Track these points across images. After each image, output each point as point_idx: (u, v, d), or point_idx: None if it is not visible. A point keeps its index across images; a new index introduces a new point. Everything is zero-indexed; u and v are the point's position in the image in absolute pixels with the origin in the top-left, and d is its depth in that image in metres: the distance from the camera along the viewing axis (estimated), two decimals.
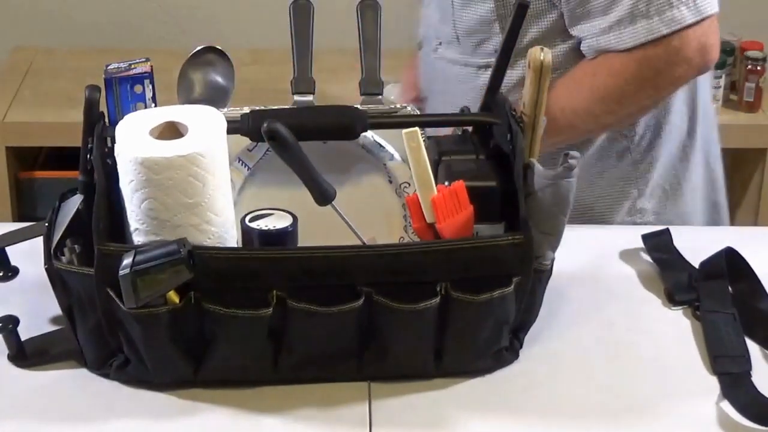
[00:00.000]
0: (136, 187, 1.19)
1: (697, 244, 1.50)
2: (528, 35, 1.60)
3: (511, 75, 1.45)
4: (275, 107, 1.36)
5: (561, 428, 1.23)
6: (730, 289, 1.42)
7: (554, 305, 1.38)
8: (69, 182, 1.31)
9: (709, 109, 1.77)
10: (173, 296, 1.19)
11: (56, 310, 1.27)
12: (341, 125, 1.34)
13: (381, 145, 1.39)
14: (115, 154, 1.21)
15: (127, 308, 1.18)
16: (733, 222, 2.16)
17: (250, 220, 1.27)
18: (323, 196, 1.25)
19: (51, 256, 1.24)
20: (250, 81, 2.08)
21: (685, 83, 1.63)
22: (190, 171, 1.18)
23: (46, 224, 1.28)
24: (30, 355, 1.29)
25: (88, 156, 1.27)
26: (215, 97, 1.39)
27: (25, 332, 1.29)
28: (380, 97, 1.41)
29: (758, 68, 2.73)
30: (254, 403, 1.24)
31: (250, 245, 1.26)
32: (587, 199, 1.70)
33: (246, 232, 1.26)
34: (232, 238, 1.25)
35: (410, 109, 1.41)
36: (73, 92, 2.37)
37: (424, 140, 1.27)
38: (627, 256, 1.52)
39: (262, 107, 1.34)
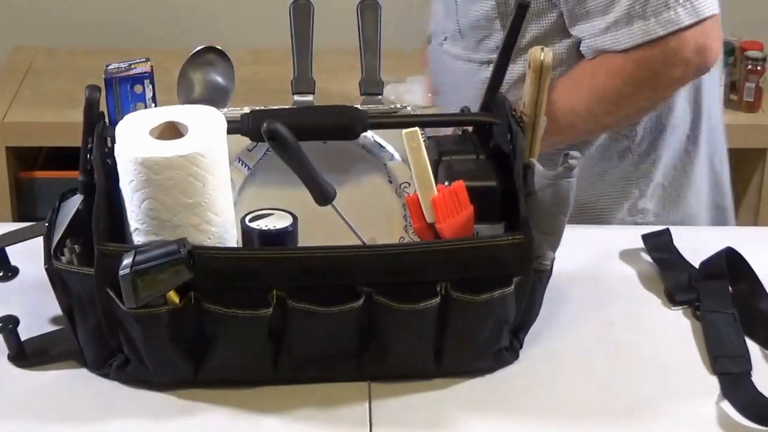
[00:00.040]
0: (136, 187, 1.19)
1: (697, 244, 1.50)
2: (529, 33, 1.60)
3: (513, 70, 1.45)
4: (275, 107, 1.36)
5: (561, 428, 1.23)
6: (730, 289, 1.42)
7: (554, 305, 1.38)
8: (69, 182, 1.31)
9: (715, 112, 1.76)
10: (173, 296, 1.19)
11: (56, 310, 1.27)
12: (341, 125, 1.34)
13: (381, 145, 1.39)
14: (115, 154, 1.21)
15: (127, 308, 1.18)
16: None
17: (250, 220, 1.27)
18: (323, 196, 1.25)
19: (51, 256, 1.24)
20: (250, 81, 2.08)
21: (684, 84, 1.62)
22: (190, 171, 1.18)
23: (46, 224, 1.28)
24: (30, 355, 1.29)
25: (88, 156, 1.27)
26: (215, 97, 1.39)
27: (25, 332, 1.29)
28: (380, 97, 1.41)
29: (758, 68, 2.73)
30: (254, 403, 1.24)
31: (250, 245, 1.26)
32: (588, 198, 1.70)
33: (246, 232, 1.26)
34: (232, 238, 1.25)
35: (410, 109, 1.41)
36: (73, 92, 2.38)
37: (424, 140, 1.27)
38: (627, 256, 1.52)
39: (262, 107, 1.34)
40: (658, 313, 1.42)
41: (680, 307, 1.42)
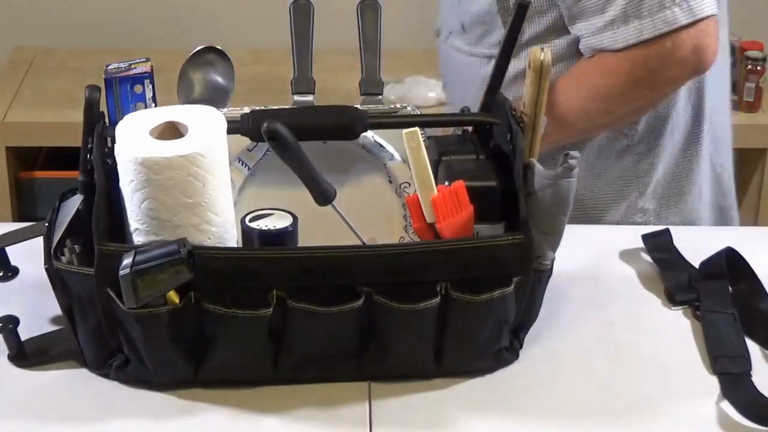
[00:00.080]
0: (136, 187, 1.19)
1: (697, 244, 1.50)
2: (530, 30, 1.61)
3: (513, 66, 1.45)
4: (275, 107, 1.36)
5: (561, 428, 1.23)
6: (730, 289, 1.42)
7: (554, 305, 1.38)
8: (69, 182, 1.31)
9: (719, 113, 1.74)
10: (173, 296, 1.19)
11: (56, 310, 1.27)
12: (341, 125, 1.34)
13: (381, 145, 1.39)
14: (115, 154, 1.21)
15: (127, 308, 1.18)
16: None
17: (250, 220, 1.27)
18: (323, 196, 1.25)
19: (51, 256, 1.24)
20: (250, 81, 2.08)
21: (682, 84, 1.63)
22: (190, 171, 1.18)
23: (46, 224, 1.28)
24: (30, 355, 1.29)
25: (88, 156, 1.27)
26: (215, 97, 1.39)
27: (25, 332, 1.29)
28: (380, 97, 1.41)
29: (758, 68, 2.73)
30: (254, 403, 1.24)
31: (250, 245, 1.26)
32: (587, 196, 1.70)
33: (246, 232, 1.26)
34: (232, 238, 1.25)
35: (410, 109, 1.41)
36: (73, 92, 2.38)
37: (424, 140, 1.27)
38: (627, 256, 1.52)
39: (262, 107, 1.34)
40: (658, 313, 1.42)
41: (680, 307, 1.42)
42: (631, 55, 1.55)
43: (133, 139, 1.20)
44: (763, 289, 1.42)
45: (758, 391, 1.26)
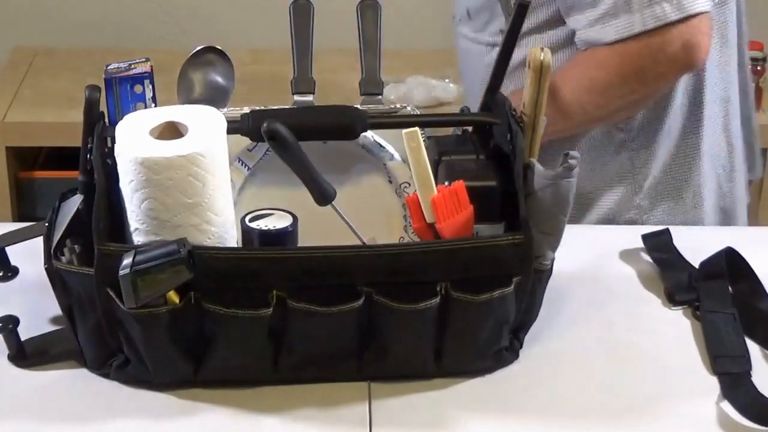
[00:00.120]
0: (136, 187, 1.19)
1: (697, 244, 1.50)
2: (529, 21, 1.61)
3: (516, 53, 1.45)
4: (275, 107, 1.36)
5: (561, 428, 1.23)
6: (730, 289, 1.42)
7: (554, 305, 1.38)
8: (69, 182, 1.31)
9: (722, 115, 1.74)
10: (173, 296, 1.19)
11: (56, 310, 1.27)
12: (341, 125, 1.34)
13: (381, 145, 1.39)
14: (115, 154, 1.21)
15: (127, 308, 1.18)
16: None
17: (250, 220, 1.27)
18: (323, 196, 1.25)
19: (51, 256, 1.24)
20: (250, 81, 2.08)
21: (673, 81, 1.63)
22: (190, 171, 1.18)
23: (46, 224, 1.28)
24: (30, 355, 1.29)
25: (88, 156, 1.27)
26: (215, 97, 1.39)
27: (25, 332, 1.29)
28: (380, 97, 1.41)
29: (758, 68, 2.73)
30: (254, 403, 1.24)
31: (250, 245, 1.26)
32: (581, 189, 1.70)
33: (246, 232, 1.26)
34: (232, 238, 1.25)
35: (410, 109, 1.41)
36: (73, 92, 2.38)
37: (424, 140, 1.27)
38: (627, 256, 1.52)
39: (262, 107, 1.34)
40: (658, 313, 1.42)
41: (680, 307, 1.42)
42: (621, 50, 1.56)
43: (133, 139, 1.20)
44: (763, 289, 1.42)
45: (758, 391, 1.26)
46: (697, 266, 1.46)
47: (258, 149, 1.38)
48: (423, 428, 1.23)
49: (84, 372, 1.28)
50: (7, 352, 1.29)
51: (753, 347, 1.34)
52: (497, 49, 1.39)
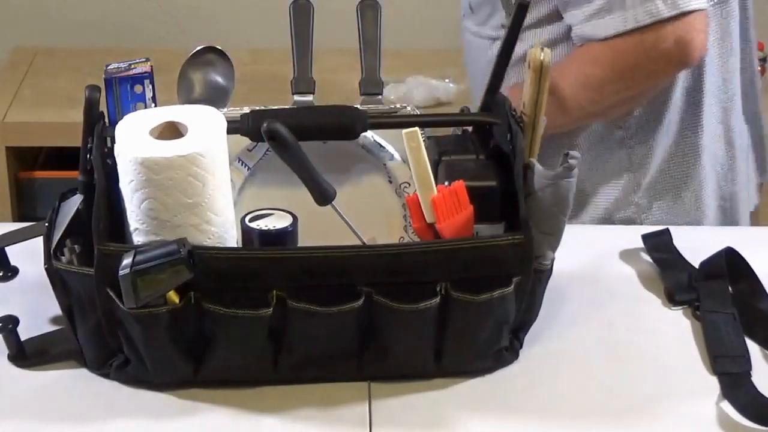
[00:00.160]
0: (136, 187, 1.19)
1: (697, 244, 1.50)
2: (530, 16, 1.61)
3: (518, 47, 1.46)
4: (275, 107, 1.36)
5: (561, 428, 1.23)
6: (730, 289, 1.42)
7: (554, 305, 1.38)
8: (69, 182, 1.31)
9: (720, 114, 1.74)
10: (173, 296, 1.19)
11: (56, 310, 1.27)
12: (341, 125, 1.34)
13: (381, 145, 1.39)
14: (115, 154, 1.21)
15: (127, 308, 1.18)
16: None
17: (250, 220, 1.27)
18: (323, 196, 1.25)
19: (51, 256, 1.24)
20: (250, 81, 2.08)
21: (667, 78, 1.63)
22: (190, 171, 1.18)
23: (46, 224, 1.28)
24: (30, 355, 1.29)
25: (88, 156, 1.27)
26: (215, 97, 1.39)
27: (25, 332, 1.29)
28: (380, 97, 1.41)
29: (758, 69, 2.72)
30: (254, 403, 1.24)
31: (250, 245, 1.26)
32: (582, 186, 1.70)
33: (246, 232, 1.26)
34: (232, 238, 1.25)
35: (410, 109, 1.41)
36: (73, 92, 2.37)
37: (424, 140, 1.27)
38: (627, 256, 1.52)
39: (262, 107, 1.34)
40: (658, 313, 1.42)
41: (680, 307, 1.42)
42: (615, 45, 1.56)
43: (133, 139, 1.20)
44: (763, 289, 1.42)
45: (758, 391, 1.26)
46: (697, 266, 1.46)
47: (258, 149, 1.38)
48: (423, 428, 1.23)
49: (84, 372, 1.28)
50: (7, 352, 1.29)
51: (753, 347, 1.34)
52: (499, 43, 1.39)
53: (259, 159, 1.38)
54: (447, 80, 2.66)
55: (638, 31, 1.55)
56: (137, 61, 1.36)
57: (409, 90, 2.65)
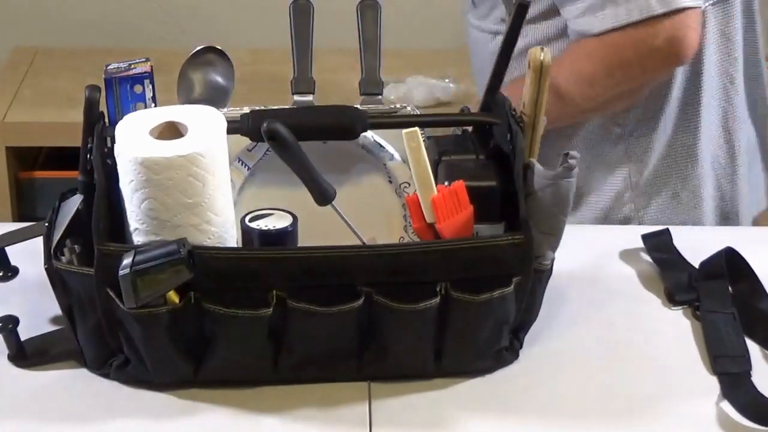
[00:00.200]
0: (136, 187, 1.19)
1: (697, 244, 1.50)
2: (531, 10, 1.62)
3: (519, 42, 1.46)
4: (275, 107, 1.36)
5: (561, 428, 1.23)
6: (730, 289, 1.42)
7: (554, 305, 1.38)
8: (69, 182, 1.31)
9: (720, 114, 1.74)
10: (173, 296, 1.19)
11: (56, 310, 1.27)
12: (341, 125, 1.34)
13: (381, 145, 1.39)
14: (115, 154, 1.21)
15: (127, 308, 1.18)
16: None
17: (250, 220, 1.27)
18: (323, 196, 1.25)
19: (51, 256, 1.24)
20: (250, 81, 2.08)
21: (659, 75, 1.64)
22: (190, 171, 1.18)
23: (46, 224, 1.28)
24: (30, 355, 1.29)
25: (88, 156, 1.27)
26: (215, 97, 1.39)
27: (25, 332, 1.29)
28: (380, 97, 1.41)
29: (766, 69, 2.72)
30: (254, 403, 1.24)
31: (250, 245, 1.26)
32: (579, 183, 1.70)
33: (246, 232, 1.26)
34: (232, 238, 1.25)
35: (410, 109, 1.41)
36: (73, 92, 2.37)
37: (424, 140, 1.27)
38: (627, 256, 1.52)
39: (262, 107, 1.34)
40: (658, 313, 1.42)
41: (680, 307, 1.42)
42: (608, 41, 1.57)
43: (133, 139, 1.20)
44: (763, 289, 1.42)
45: (758, 391, 1.26)
46: (697, 266, 1.46)
47: (258, 149, 1.38)
48: (423, 428, 1.23)
49: (84, 372, 1.28)
50: (7, 352, 1.29)
51: (753, 347, 1.34)
52: (500, 38, 1.39)
53: (259, 159, 1.38)
54: (447, 80, 2.66)
55: (630, 27, 1.55)
56: (137, 61, 1.36)
57: (409, 90, 2.65)
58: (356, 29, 1.42)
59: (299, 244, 1.27)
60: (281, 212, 1.28)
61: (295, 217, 1.27)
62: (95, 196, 1.23)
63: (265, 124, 1.22)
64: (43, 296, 1.29)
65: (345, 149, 1.39)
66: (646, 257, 1.52)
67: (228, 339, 1.22)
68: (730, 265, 1.43)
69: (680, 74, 1.68)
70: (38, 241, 1.29)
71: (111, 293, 1.19)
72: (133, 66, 1.35)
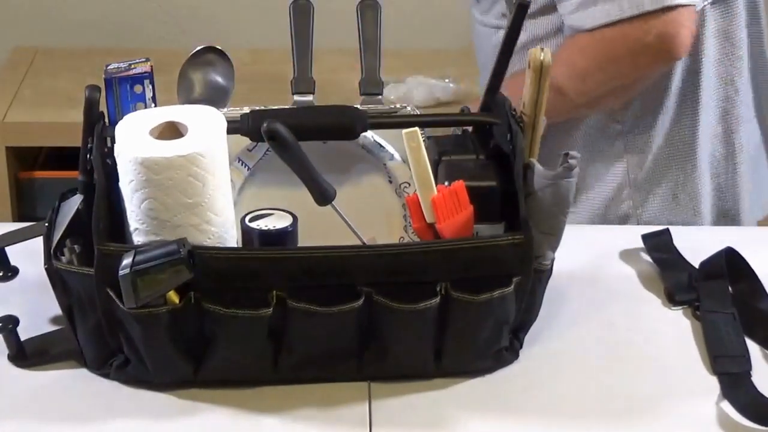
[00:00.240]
0: (136, 187, 1.19)
1: (697, 244, 1.50)
2: (531, 6, 1.63)
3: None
4: (275, 107, 1.36)
5: (561, 428, 1.23)
6: (730, 289, 1.42)
7: (554, 305, 1.38)
8: (69, 182, 1.31)
9: (719, 114, 1.74)
10: (173, 296, 1.19)
11: (56, 310, 1.27)
12: (341, 125, 1.34)
13: (381, 145, 1.39)
14: (115, 154, 1.21)
15: (127, 308, 1.18)
16: None
17: (250, 220, 1.27)
18: (323, 196, 1.25)
19: (51, 256, 1.24)
20: (250, 81, 2.08)
21: (651, 72, 1.64)
22: (190, 171, 1.18)
23: (46, 224, 1.28)
24: (30, 355, 1.29)
25: (88, 156, 1.27)
26: (215, 97, 1.39)
27: (25, 332, 1.29)
28: (380, 97, 1.41)
29: None
30: (254, 403, 1.24)
31: (250, 245, 1.26)
32: (578, 179, 1.70)
33: (246, 232, 1.26)
34: (232, 238, 1.25)
35: (410, 109, 1.41)
36: (73, 92, 2.37)
37: (424, 140, 1.27)
38: (627, 256, 1.52)
39: (262, 107, 1.34)
40: (658, 313, 1.42)
41: (680, 307, 1.42)
42: (600, 36, 1.58)
43: (133, 139, 1.20)
44: (763, 289, 1.42)
45: (758, 391, 1.26)
46: (697, 266, 1.46)
47: (258, 149, 1.38)
48: (423, 428, 1.23)
49: (84, 372, 1.28)
50: (7, 352, 1.29)
51: (753, 347, 1.34)
52: (502, 32, 1.39)
53: (259, 159, 1.38)
54: (447, 80, 2.66)
55: (622, 23, 1.56)
56: (137, 61, 1.36)
57: (409, 90, 2.65)
58: (356, 29, 1.42)
59: (299, 244, 1.27)
60: (281, 212, 1.28)
61: (295, 217, 1.27)
62: (95, 196, 1.23)
63: (265, 124, 1.22)
64: (43, 296, 1.29)
65: (345, 149, 1.39)
66: (646, 257, 1.52)
67: (228, 339, 1.22)
68: (730, 265, 1.43)
69: (678, 72, 1.68)
70: (38, 241, 1.29)
71: (111, 293, 1.19)
72: (133, 66, 1.35)
